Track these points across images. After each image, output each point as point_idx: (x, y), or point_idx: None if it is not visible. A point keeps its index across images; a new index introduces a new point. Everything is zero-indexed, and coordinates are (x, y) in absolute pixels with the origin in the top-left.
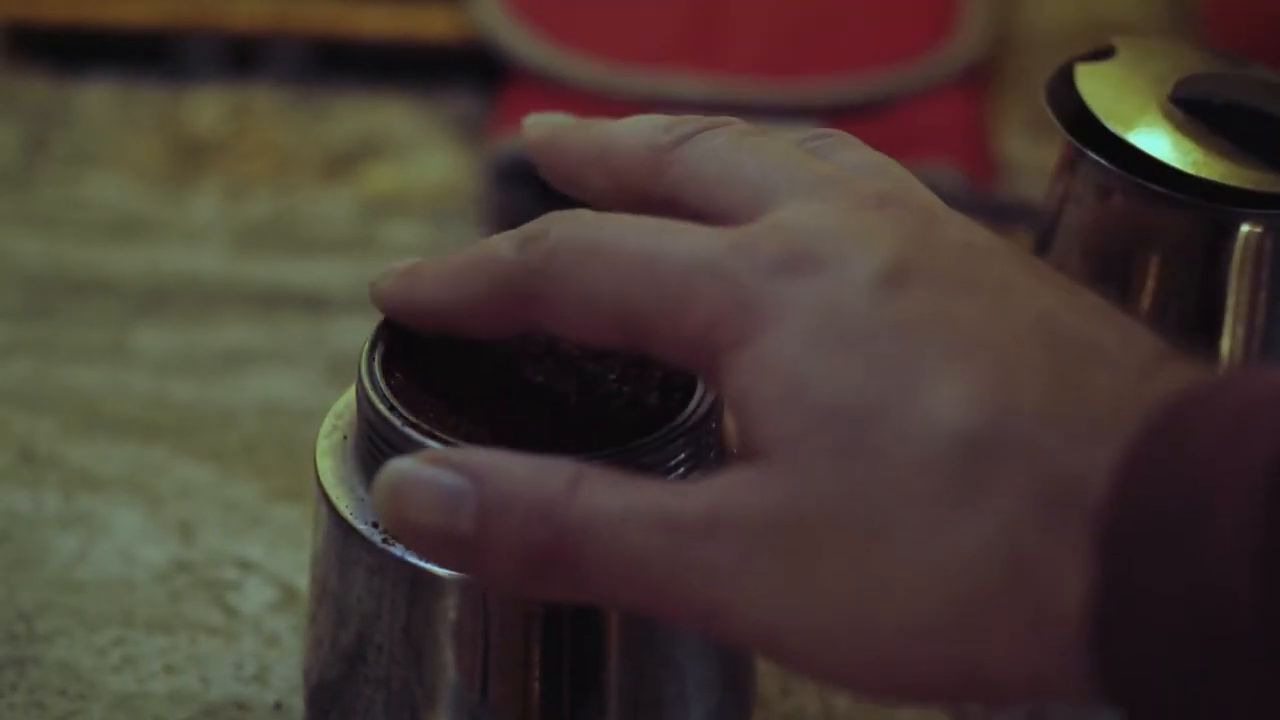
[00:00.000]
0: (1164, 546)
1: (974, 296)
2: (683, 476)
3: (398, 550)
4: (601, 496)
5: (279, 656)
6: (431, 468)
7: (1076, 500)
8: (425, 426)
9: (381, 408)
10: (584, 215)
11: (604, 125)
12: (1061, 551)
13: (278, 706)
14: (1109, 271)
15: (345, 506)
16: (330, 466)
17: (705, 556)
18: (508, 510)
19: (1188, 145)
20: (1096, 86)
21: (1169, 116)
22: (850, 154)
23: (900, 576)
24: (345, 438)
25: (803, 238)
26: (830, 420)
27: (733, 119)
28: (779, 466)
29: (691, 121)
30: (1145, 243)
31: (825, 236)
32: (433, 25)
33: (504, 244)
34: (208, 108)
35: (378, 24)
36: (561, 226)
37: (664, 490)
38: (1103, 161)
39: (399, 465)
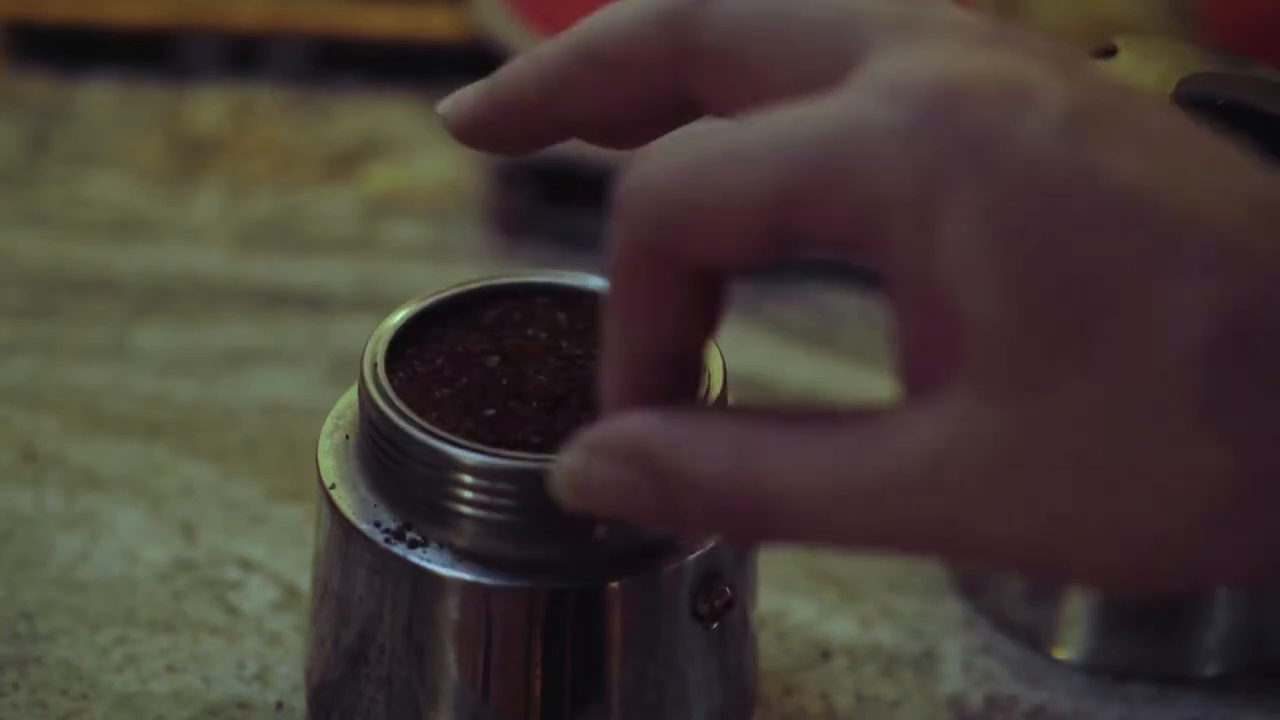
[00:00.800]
0: None
1: (1172, 158)
2: None
3: (400, 550)
4: (782, 472)
5: (281, 656)
6: (596, 464)
7: None
8: (427, 426)
9: (384, 407)
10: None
11: (569, 30)
12: None
13: (280, 706)
14: None
15: (347, 506)
16: (332, 466)
17: (924, 510)
18: (688, 492)
19: None
20: None
21: None
22: None
23: (1148, 492)
24: (347, 437)
25: (949, 88)
26: (1053, 326)
27: None
28: (997, 388)
29: None
30: None
31: (974, 84)
32: (434, 24)
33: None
34: (209, 107)
35: (379, 23)
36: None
37: (852, 449)
38: None
39: (562, 468)
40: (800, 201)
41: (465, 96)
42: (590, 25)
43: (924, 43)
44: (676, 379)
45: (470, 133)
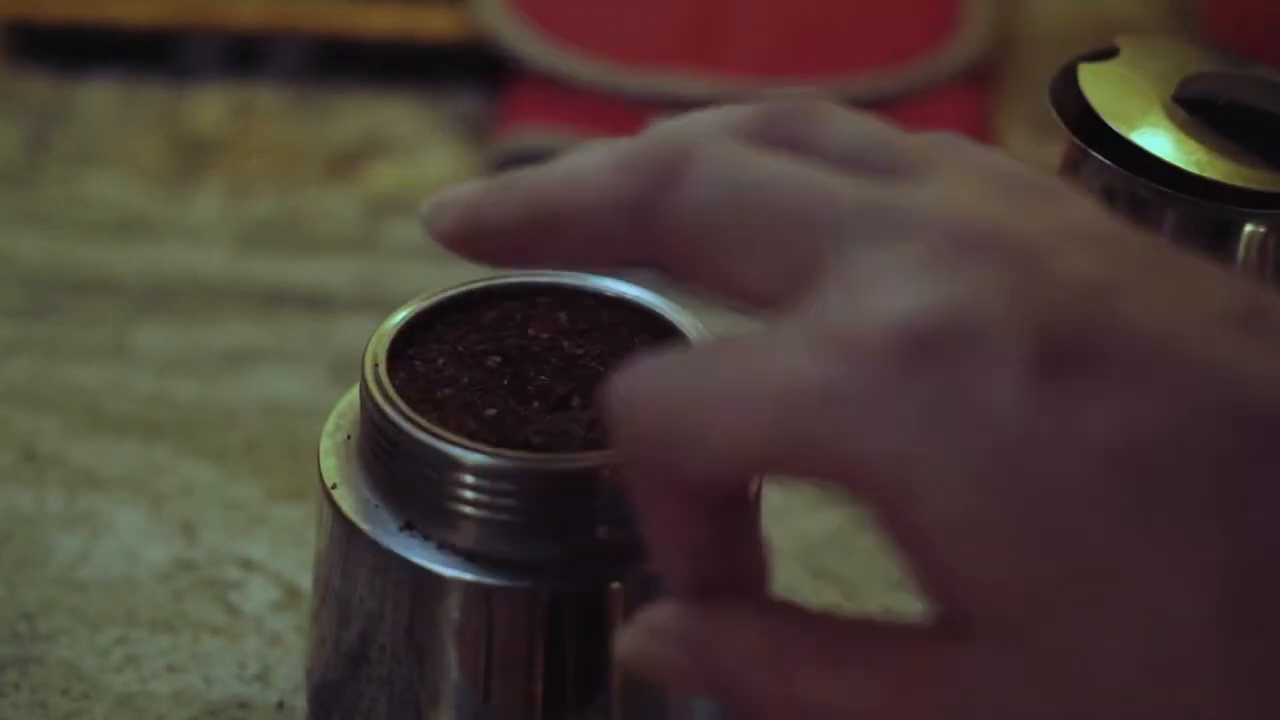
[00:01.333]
0: None
1: (1143, 385)
2: None
3: (400, 550)
4: (821, 698)
5: (282, 656)
6: (647, 645)
7: None
8: (428, 426)
9: (385, 407)
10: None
11: (535, 180)
12: None
13: (280, 706)
14: None
15: (348, 506)
16: (334, 466)
17: None
18: (730, 680)
19: (1191, 145)
20: (1100, 86)
21: (1172, 116)
22: (901, 149)
23: None
24: (349, 437)
25: (907, 345)
26: (1057, 589)
27: (712, 121)
28: (1013, 646)
29: (667, 145)
30: None
31: (932, 336)
32: (435, 24)
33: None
34: (210, 106)
35: (380, 22)
36: None
37: (891, 682)
38: (1106, 161)
39: (623, 647)
40: (786, 458)
41: (448, 209)
42: (551, 191)
43: (887, 258)
44: (731, 568)
45: (450, 246)
